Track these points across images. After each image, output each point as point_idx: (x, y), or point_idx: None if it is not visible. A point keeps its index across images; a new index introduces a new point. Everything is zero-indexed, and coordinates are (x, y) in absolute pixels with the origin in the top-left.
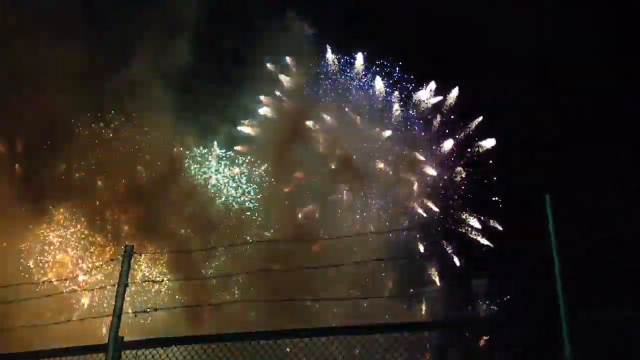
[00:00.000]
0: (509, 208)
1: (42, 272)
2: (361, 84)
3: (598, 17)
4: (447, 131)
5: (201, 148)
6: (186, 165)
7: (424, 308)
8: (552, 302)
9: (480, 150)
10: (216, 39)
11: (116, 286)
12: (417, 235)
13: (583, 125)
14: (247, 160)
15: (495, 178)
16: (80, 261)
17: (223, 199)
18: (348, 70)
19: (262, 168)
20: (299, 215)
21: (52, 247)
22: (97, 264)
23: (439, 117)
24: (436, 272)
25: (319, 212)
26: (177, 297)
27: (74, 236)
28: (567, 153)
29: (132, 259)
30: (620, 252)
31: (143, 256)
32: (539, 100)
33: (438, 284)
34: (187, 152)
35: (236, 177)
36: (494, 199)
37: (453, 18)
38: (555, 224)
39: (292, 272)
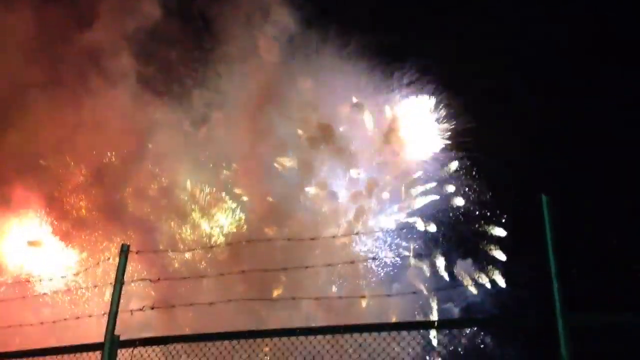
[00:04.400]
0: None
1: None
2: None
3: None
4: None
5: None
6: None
7: None
8: (549, 302)
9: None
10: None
11: (113, 284)
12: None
13: (582, 125)
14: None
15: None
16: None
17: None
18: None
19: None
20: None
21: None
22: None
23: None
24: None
25: (294, 191)
26: (146, 290)
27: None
28: (566, 153)
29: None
30: (619, 253)
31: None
32: (535, 99)
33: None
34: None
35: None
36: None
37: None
38: (552, 225)
39: (270, 253)
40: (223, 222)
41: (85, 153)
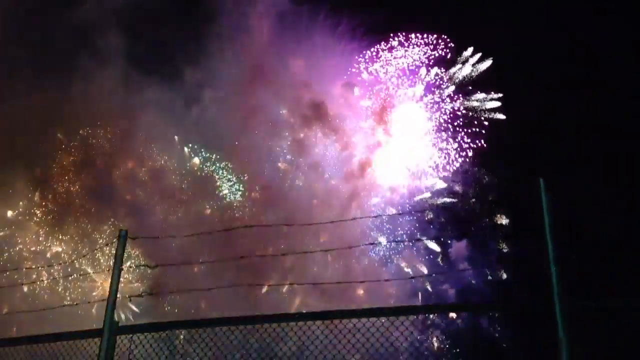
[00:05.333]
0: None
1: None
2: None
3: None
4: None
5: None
6: (145, 121)
7: None
8: (547, 286)
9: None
10: None
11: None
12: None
13: (580, 110)
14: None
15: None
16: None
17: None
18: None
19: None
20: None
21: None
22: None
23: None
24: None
25: (289, 169)
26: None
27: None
28: (564, 137)
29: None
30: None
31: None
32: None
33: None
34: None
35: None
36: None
37: None
38: (549, 209)
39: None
40: (217, 204)
41: (75, 133)
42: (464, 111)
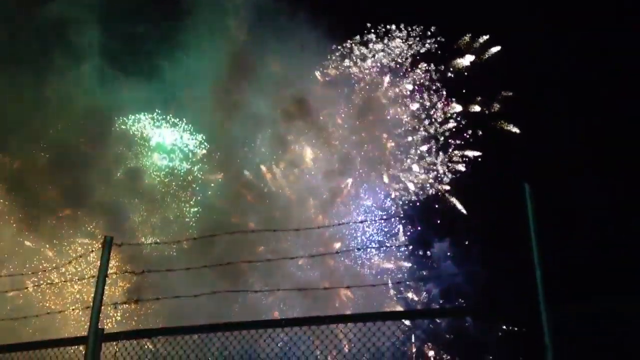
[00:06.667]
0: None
1: None
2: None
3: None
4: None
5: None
6: (120, 121)
7: None
8: (532, 291)
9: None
10: None
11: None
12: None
13: (563, 115)
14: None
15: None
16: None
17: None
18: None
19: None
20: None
21: None
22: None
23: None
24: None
25: (269, 169)
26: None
27: None
28: (548, 141)
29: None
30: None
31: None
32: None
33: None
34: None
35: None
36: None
37: None
38: (534, 214)
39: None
40: (195, 204)
41: (49, 135)
42: (457, 119)
